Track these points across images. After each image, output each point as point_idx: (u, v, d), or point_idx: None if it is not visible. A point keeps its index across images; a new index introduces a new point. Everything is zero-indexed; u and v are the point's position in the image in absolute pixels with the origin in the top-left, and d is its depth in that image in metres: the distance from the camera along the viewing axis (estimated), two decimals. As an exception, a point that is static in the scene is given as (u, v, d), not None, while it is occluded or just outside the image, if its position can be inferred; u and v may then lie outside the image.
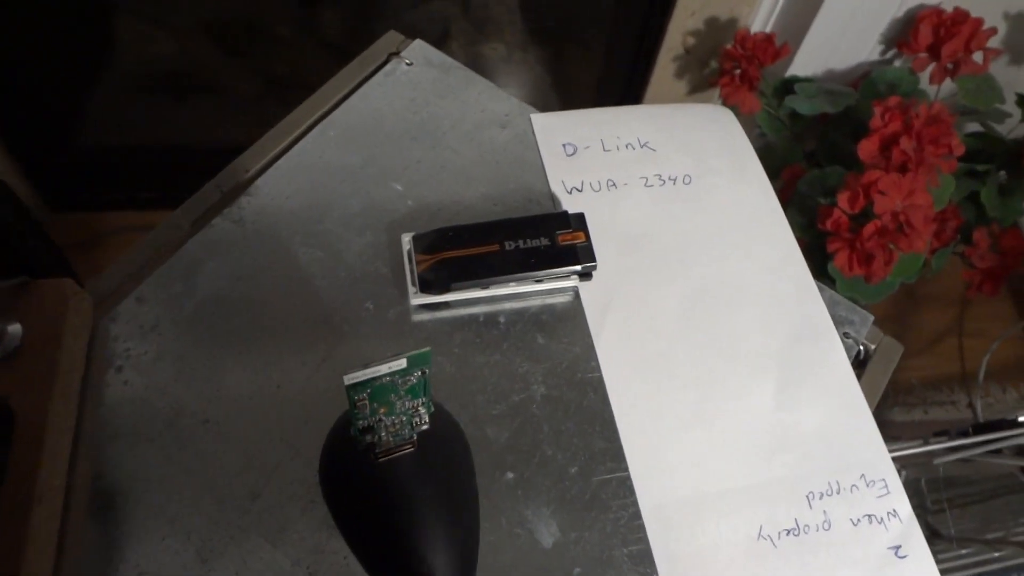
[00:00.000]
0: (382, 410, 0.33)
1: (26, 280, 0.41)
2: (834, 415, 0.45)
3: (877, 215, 0.89)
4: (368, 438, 0.34)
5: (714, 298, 0.47)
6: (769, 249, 0.49)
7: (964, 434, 0.81)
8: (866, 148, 0.92)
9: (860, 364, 0.48)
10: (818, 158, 1.06)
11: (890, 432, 1.27)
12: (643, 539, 0.41)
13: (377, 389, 0.31)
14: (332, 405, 0.38)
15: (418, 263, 0.44)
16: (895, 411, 1.23)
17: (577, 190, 0.50)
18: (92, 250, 1.25)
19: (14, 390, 0.38)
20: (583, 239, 0.45)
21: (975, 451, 0.76)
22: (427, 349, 0.30)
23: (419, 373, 0.32)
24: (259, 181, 0.48)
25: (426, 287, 0.44)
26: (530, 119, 0.52)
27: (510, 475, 0.42)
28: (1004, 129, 1.05)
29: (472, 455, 0.39)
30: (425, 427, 0.35)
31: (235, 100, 1.30)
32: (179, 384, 0.42)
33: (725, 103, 1.04)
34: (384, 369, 0.30)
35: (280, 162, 0.49)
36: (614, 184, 0.50)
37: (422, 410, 0.34)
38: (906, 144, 0.91)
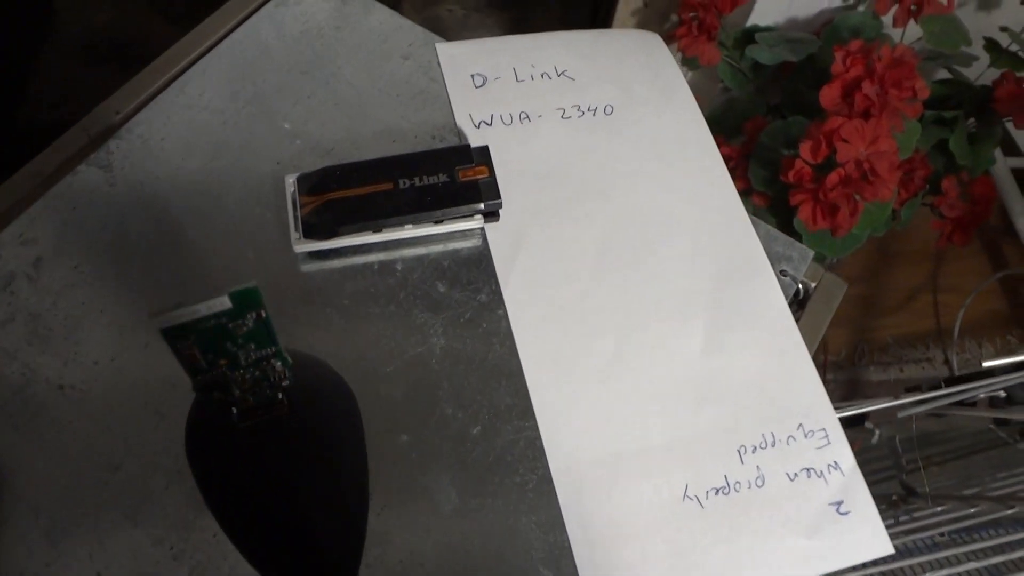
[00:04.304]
0: (223, 362, 0.28)
1: None
2: (769, 360, 0.40)
3: (840, 164, 0.85)
4: (217, 395, 0.30)
5: (635, 236, 0.43)
6: (698, 181, 0.45)
7: (935, 388, 0.77)
8: (828, 95, 0.88)
9: (800, 304, 0.44)
10: (782, 110, 1.02)
11: (865, 391, 1.24)
12: (554, 504, 0.36)
13: (203, 335, 0.27)
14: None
15: (302, 206, 0.40)
16: (870, 370, 1.20)
17: (486, 124, 0.45)
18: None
19: None
20: (486, 174, 0.41)
21: (944, 402, 0.72)
22: (253, 284, 0.26)
23: (254, 316, 0.27)
24: (130, 123, 0.43)
25: (310, 232, 0.39)
26: (435, 49, 0.47)
27: (404, 437, 0.37)
28: (971, 74, 1.01)
29: (361, 416, 0.35)
30: (286, 383, 0.31)
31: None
32: (32, 347, 0.37)
33: (684, 55, 0.99)
34: (203, 310, 0.26)
35: (154, 102, 0.44)
36: (528, 117, 0.45)
37: (276, 363, 0.30)
38: (868, 88, 0.87)
